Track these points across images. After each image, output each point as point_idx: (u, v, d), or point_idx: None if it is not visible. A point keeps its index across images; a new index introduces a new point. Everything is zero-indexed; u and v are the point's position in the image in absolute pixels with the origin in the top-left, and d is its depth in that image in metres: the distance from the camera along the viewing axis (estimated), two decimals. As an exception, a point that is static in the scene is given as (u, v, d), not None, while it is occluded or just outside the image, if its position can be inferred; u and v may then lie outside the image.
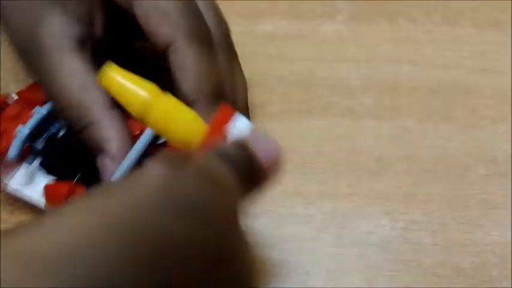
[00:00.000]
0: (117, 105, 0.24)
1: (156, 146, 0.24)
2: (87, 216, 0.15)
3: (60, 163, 0.26)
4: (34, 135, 0.26)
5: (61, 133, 0.27)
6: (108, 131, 0.24)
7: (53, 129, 0.26)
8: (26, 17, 0.25)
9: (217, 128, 0.20)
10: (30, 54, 0.25)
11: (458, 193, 0.29)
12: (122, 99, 0.21)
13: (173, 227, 0.15)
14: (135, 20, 0.25)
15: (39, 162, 0.26)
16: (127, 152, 0.24)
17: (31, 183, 0.26)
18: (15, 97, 0.28)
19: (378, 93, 0.33)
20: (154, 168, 0.16)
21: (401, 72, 0.34)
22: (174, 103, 0.22)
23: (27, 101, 0.27)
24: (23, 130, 0.25)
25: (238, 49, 0.27)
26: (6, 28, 0.27)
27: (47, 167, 0.26)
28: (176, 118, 0.21)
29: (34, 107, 0.26)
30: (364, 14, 0.36)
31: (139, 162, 0.23)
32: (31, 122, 0.25)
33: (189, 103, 0.23)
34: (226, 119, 0.20)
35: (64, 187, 0.25)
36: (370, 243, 0.27)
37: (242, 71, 0.28)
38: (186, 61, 0.24)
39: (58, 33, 0.25)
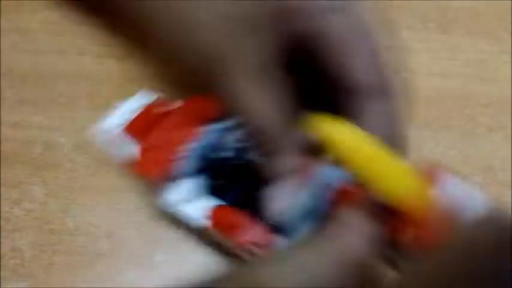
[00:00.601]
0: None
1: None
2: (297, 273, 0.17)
3: (226, 186, 0.25)
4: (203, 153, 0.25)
5: (230, 155, 0.25)
6: (290, 163, 0.23)
7: (221, 150, 0.25)
8: (215, 35, 0.23)
9: (429, 186, 0.20)
10: (211, 73, 0.24)
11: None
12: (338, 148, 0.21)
13: None
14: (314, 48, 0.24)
15: (203, 181, 0.25)
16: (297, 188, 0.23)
17: (190, 201, 0.25)
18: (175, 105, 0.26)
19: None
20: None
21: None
22: (385, 150, 0.21)
23: (191, 113, 0.26)
24: (197, 148, 0.24)
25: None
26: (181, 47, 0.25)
27: (212, 188, 0.25)
28: (386, 166, 0.20)
29: (199, 120, 0.25)
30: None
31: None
32: (207, 140, 0.25)
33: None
34: (440, 178, 0.20)
35: (235, 216, 0.24)
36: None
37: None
38: (379, 119, 0.23)
39: (259, 60, 0.23)
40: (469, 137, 0.32)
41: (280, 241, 0.23)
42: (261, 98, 0.23)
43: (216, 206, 0.25)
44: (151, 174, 0.24)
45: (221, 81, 0.24)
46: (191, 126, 0.25)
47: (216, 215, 0.24)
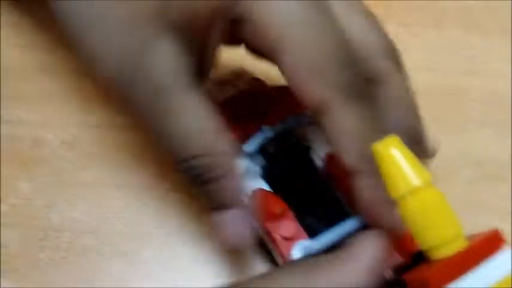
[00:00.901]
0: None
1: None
2: None
3: (280, 176, 0.26)
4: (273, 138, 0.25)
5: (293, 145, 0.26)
6: (240, 183, 0.22)
7: (290, 139, 0.26)
8: (129, 40, 0.20)
9: (478, 253, 0.19)
10: (133, 90, 0.21)
11: (446, 195, 0.29)
12: (388, 174, 0.19)
13: None
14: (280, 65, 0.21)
15: (262, 165, 0.26)
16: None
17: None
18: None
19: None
20: None
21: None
22: (441, 200, 0.19)
23: (277, 98, 0.26)
24: (269, 132, 0.25)
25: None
26: (90, 56, 0.21)
27: (266, 174, 0.26)
28: (437, 217, 0.19)
29: (284, 108, 0.25)
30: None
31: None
32: (281, 127, 0.25)
33: (352, 173, 0.21)
34: (493, 248, 0.19)
35: (276, 202, 0.24)
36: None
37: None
38: (345, 126, 0.20)
39: (177, 65, 0.20)
40: (459, 131, 0.32)
41: (308, 244, 0.23)
42: (193, 118, 0.21)
43: (261, 188, 0.25)
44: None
45: (146, 101, 0.21)
46: (274, 110, 0.26)
47: (260, 197, 0.24)
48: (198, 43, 0.21)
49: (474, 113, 0.33)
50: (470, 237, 0.20)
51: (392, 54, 0.25)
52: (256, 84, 0.28)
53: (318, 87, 0.20)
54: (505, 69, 0.35)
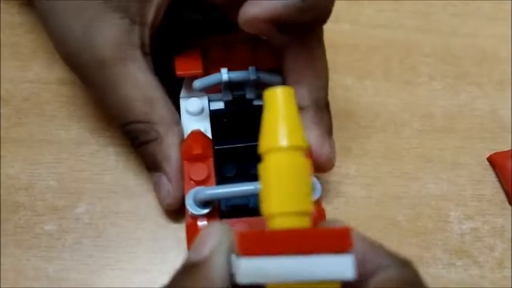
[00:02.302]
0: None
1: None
2: None
3: (227, 124, 0.26)
4: (230, 85, 0.25)
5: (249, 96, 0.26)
6: (169, 150, 0.24)
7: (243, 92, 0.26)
8: (78, 21, 0.23)
9: (317, 242, 0.16)
10: (85, 64, 0.24)
11: (394, 148, 0.29)
12: (265, 123, 0.18)
13: None
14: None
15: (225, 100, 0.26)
16: (181, 174, 0.24)
17: (196, 116, 0.26)
18: None
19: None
20: None
21: (341, 30, 0.33)
22: (301, 169, 0.17)
23: (230, 48, 0.26)
24: (224, 76, 0.25)
25: None
26: (53, 34, 0.24)
27: (214, 118, 0.26)
28: (289, 184, 0.17)
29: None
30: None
31: None
32: (237, 74, 0.25)
33: (299, 107, 0.22)
34: (336, 244, 0.16)
35: (200, 145, 0.24)
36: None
37: None
38: (300, 70, 0.24)
39: (117, 40, 0.23)
40: (410, 85, 0.31)
41: (198, 190, 0.23)
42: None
43: (197, 130, 0.25)
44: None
45: (94, 73, 0.24)
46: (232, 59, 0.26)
47: (190, 137, 0.24)
48: (141, 17, 0.24)
49: (425, 68, 0.32)
50: (320, 224, 0.18)
51: None
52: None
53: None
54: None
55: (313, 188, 0.18)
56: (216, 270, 0.16)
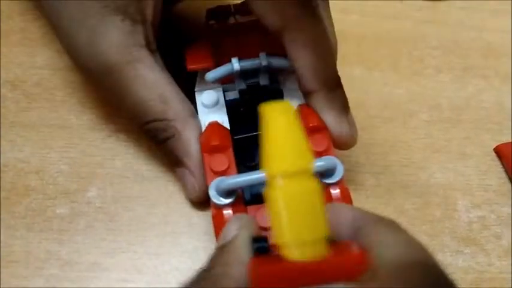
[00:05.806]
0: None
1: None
2: None
3: (243, 113, 0.26)
4: (242, 74, 0.25)
5: (263, 83, 0.25)
6: (188, 144, 0.24)
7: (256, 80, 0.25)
8: (83, 30, 0.24)
9: (332, 270, 0.15)
10: (95, 71, 0.24)
11: (402, 137, 0.29)
12: (266, 145, 0.17)
13: None
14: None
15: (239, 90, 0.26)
16: (202, 166, 0.24)
17: (212, 108, 0.26)
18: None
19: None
20: None
21: (350, 21, 0.34)
22: (312, 193, 0.16)
23: (241, 36, 0.26)
24: (235, 65, 0.24)
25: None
26: (62, 43, 0.25)
27: (230, 108, 0.26)
28: (301, 212, 0.16)
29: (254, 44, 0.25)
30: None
31: None
32: (248, 62, 0.24)
33: (309, 92, 0.24)
34: (352, 271, 0.15)
35: (219, 136, 0.24)
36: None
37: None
38: (301, 54, 0.23)
39: (122, 43, 0.23)
40: (417, 77, 0.32)
41: (220, 181, 0.23)
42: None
43: (215, 122, 0.25)
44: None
45: (105, 78, 0.24)
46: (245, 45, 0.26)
47: (208, 129, 0.24)
48: (142, 15, 0.24)
49: (433, 60, 0.32)
50: (334, 244, 0.17)
51: None
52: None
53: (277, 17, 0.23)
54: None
55: (325, 210, 0.16)
56: (241, 244, 0.17)
